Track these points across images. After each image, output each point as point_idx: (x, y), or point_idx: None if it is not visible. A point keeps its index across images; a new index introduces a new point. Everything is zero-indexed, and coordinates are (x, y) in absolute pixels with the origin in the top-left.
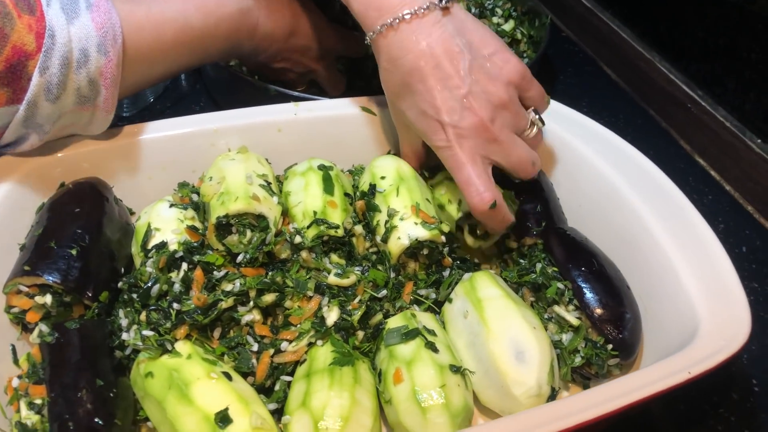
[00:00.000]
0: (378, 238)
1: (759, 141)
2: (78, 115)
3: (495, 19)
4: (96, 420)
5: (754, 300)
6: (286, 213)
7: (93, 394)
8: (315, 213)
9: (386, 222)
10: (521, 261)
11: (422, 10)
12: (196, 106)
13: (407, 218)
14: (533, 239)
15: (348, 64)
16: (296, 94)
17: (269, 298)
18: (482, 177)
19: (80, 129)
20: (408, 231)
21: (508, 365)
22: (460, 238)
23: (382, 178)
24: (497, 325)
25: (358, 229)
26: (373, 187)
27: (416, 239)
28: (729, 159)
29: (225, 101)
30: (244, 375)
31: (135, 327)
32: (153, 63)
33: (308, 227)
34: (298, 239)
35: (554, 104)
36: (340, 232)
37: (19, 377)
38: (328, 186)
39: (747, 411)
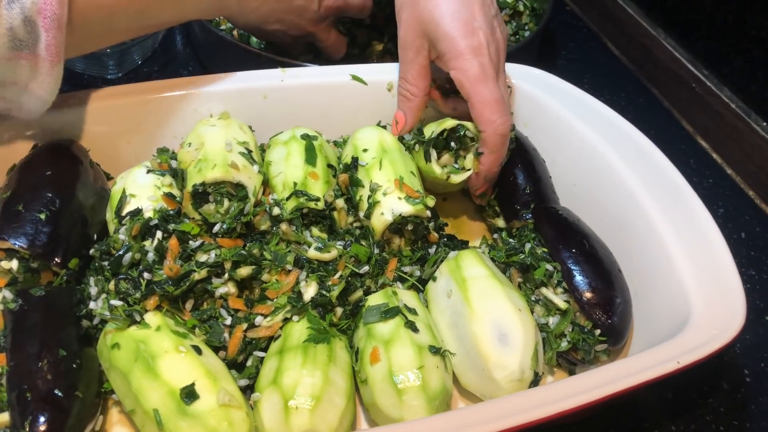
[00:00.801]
0: (361, 214)
1: (764, 124)
2: (15, 67)
3: None
4: (56, 391)
5: (751, 288)
6: (267, 183)
7: (54, 364)
8: (295, 184)
9: (369, 197)
10: (510, 240)
11: None
12: (185, 71)
13: (390, 193)
14: (522, 222)
15: (348, 27)
16: (286, 60)
17: (244, 271)
18: (506, 99)
19: (21, 90)
20: (392, 206)
21: (490, 347)
22: (429, 171)
23: (365, 150)
24: (481, 306)
25: (340, 202)
26: (355, 160)
27: (400, 215)
28: (732, 142)
29: (214, 66)
30: (216, 349)
31: (103, 296)
32: (114, 12)
33: (287, 199)
34: (276, 211)
35: (554, 79)
36: (321, 205)
37: None
38: (310, 156)
39: (737, 401)
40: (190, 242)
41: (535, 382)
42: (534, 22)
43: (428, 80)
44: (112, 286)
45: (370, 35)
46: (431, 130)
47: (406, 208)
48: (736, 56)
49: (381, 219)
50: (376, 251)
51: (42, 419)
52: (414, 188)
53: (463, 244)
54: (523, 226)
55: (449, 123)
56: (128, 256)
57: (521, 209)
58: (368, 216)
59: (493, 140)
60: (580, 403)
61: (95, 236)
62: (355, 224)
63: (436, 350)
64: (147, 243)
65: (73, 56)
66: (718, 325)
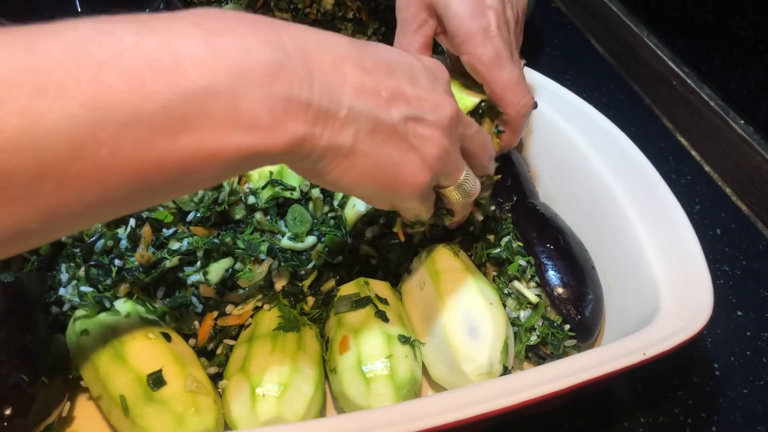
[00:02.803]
0: (335, 203)
1: (742, 122)
2: None
3: None
4: (22, 377)
5: (724, 284)
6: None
7: (21, 349)
8: (271, 173)
9: None
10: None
11: None
12: None
13: None
14: (502, 214)
15: (331, 20)
16: None
17: (218, 274)
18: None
19: None
20: None
21: (459, 340)
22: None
23: None
24: (452, 299)
25: (315, 192)
26: None
27: (373, 207)
28: (710, 139)
29: None
30: (186, 337)
31: (74, 282)
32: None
33: (263, 188)
34: (252, 200)
35: (534, 75)
36: (296, 195)
37: None
38: None
39: (705, 394)
40: (164, 230)
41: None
42: None
43: (431, 54)
44: (82, 272)
45: (354, 29)
46: None
47: None
48: (716, 55)
49: (354, 210)
50: (349, 241)
51: (7, 404)
52: None
53: (445, 237)
54: (503, 219)
55: (472, 102)
56: (101, 242)
57: (503, 201)
58: (342, 205)
59: (516, 121)
60: (547, 392)
61: None
62: (329, 214)
63: (406, 339)
64: (120, 230)
65: None
66: (685, 318)
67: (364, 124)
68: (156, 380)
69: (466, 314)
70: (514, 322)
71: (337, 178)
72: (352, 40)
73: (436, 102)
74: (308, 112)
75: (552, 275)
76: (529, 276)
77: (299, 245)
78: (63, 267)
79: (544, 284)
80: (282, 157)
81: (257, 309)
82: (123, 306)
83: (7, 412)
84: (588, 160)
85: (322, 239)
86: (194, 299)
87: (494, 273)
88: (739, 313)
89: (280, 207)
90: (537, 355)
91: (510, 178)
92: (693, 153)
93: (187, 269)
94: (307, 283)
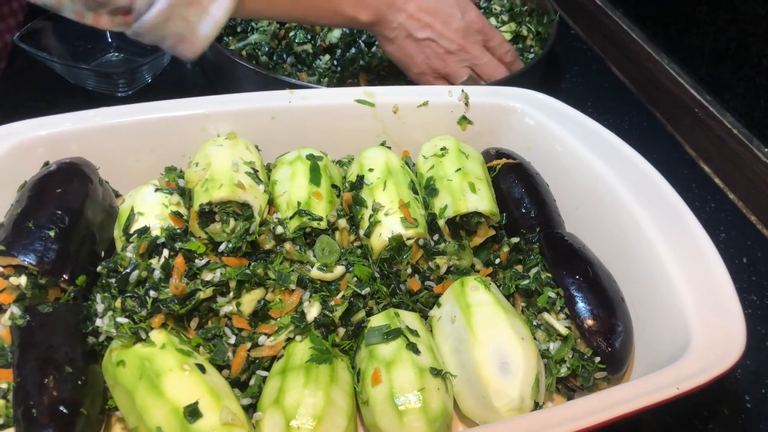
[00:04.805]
0: (361, 232)
1: (766, 150)
2: (187, 8)
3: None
4: (61, 408)
5: (752, 313)
6: (272, 202)
7: (60, 380)
8: (299, 203)
9: (370, 216)
10: (516, 269)
11: None
12: (194, 90)
13: (392, 214)
14: (528, 246)
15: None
16: (294, 81)
17: (249, 306)
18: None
19: (202, 11)
20: (392, 227)
21: (490, 375)
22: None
23: (370, 170)
24: (484, 333)
25: (342, 222)
26: (360, 178)
27: (400, 235)
28: (734, 167)
29: (223, 85)
30: (220, 368)
31: (110, 313)
32: None
33: (291, 218)
34: (280, 230)
35: (555, 102)
36: (323, 225)
37: None
38: (314, 176)
39: (737, 428)
40: (196, 261)
41: None
42: (539, 45)
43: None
44: (118, 303)
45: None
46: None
47: (405, 230)
48: (738, 82)
49: (380, 239)
50: (377, 271)
51: None
52: (417, 210)
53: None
54: (530, 250)
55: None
56: (135, 273)
57: (527, 233)
58: (368, 235)
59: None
60: (579, 427)
61: (103, 253)
62: (355, 243)
63: (438, 372)
64: (154, 261)
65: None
66: (718, 351)
67: (403, 32)
68: (192, 412)
69: (497, 349)
70: (543, 354)
71: (383, 45)
72: None
73: (451, 38)
74: (382, 18)
75: (582, 307)
76: (559, 308)
77: (329, 275)
78: (98, 297)
79: (573, 316)
80: (366, 26)
81: (289, 340)
82: (158, 337)
83: None
84: (613, 190)
85: (351, 269)
86: (227, 330)
87: (523, 304)
88: None
89: (307, 237)
90: (567, 387)
91: (534, 208)
92: (716, 181)
93: (220, 300)
94: (337, 314)
